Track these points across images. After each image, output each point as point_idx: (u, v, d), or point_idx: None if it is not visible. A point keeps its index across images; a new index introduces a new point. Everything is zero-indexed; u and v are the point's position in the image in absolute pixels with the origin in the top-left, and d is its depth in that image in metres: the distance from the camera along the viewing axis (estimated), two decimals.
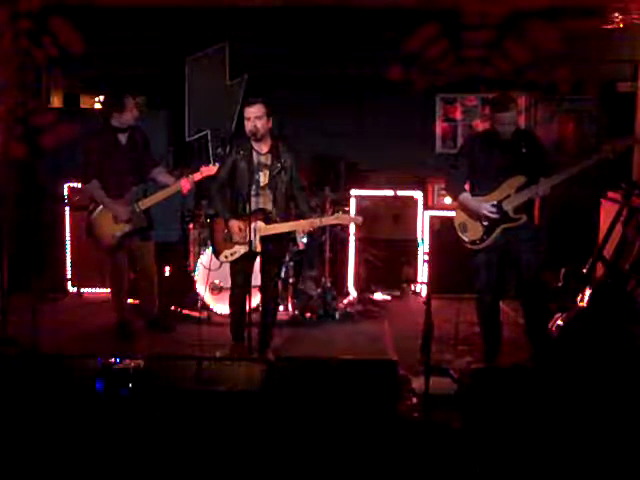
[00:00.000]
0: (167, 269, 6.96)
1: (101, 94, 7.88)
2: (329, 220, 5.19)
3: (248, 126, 5.02)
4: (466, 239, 5.13)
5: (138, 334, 5.97)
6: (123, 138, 5.75)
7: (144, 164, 5.85)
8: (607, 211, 6.17)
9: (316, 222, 5.11)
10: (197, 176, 5.66)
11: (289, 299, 6.51)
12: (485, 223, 5.03)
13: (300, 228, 5.29)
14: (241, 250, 5.13)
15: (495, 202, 4.99)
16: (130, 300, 6.20)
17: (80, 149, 5.86)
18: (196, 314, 6.40)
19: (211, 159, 7.59)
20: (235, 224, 5.09)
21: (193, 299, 6.49)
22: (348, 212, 6.99)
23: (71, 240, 7.22)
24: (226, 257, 5.23)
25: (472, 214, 5.07)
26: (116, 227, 5.71)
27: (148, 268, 5.95)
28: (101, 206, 5.72)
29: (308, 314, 6.49)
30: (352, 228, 7.01)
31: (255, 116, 5.00)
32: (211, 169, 5.59)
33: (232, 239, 5.12)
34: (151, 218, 5.88)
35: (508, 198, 4.97)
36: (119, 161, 5.69)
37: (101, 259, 6.17)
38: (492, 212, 4.97)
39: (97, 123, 5.90)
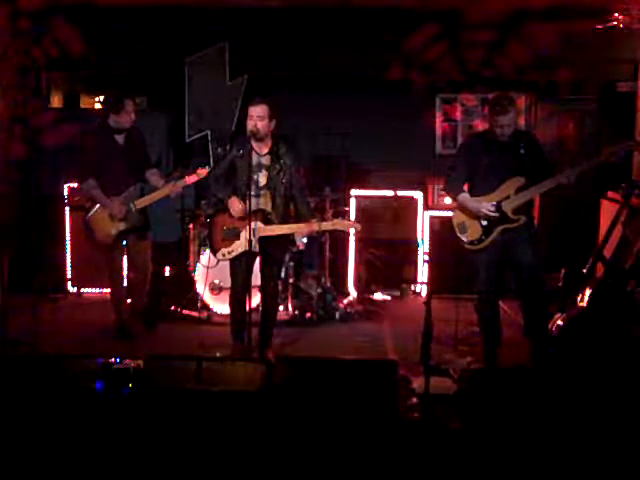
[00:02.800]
0: (167, 269, 6.97)
1: (101, 94, 7.90)
2: (328, 225, 5.19)
3: (249, 125, 5.02)
4: (465, 239, 5.12)
5: (138, 334, 5.96)
6: (120, 138, 5.76)
7: (140, 165, 5.86)
8: (607, 211, 6.17)
9: (315, 227, 5.10)
10: (193, 178, 5.67)
11: (289, 299, 6.51)
12: (484, 223, 5.03)
13: (299, 231, 5.29)
14: (239, 249, 5.13)
15: (494, 202, 4.99)
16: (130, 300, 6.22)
17: (78, 148, 5.88)
18: (196, 314, 6.40)
19: (211, 159, 7.59)
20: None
21: (193, 299, 6.50)
22: (347, 213, 6.98)
23: (71, 240, 7.22)
24: (223, 255, 5.23)
25: (471, 214, 5.07)
26: (112, 225, 5.72)
27: (143, 266, 5.96)
28: (97, 205, 5.74)
29: (308, 314, 6.49)
30: (352, 228, 6.99)
31: (258, 116, 4.99)
32: (206, 171, 5.61)
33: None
34: (147, 217, 5.89)
35: (507, 199, 4.97)
36: (116, 161, 5.71)
37: (101, 259, 6.17)
38: (491, 211, 4.96)
39: (95, 122, 5.91)
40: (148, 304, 6.16)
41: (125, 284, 6.11)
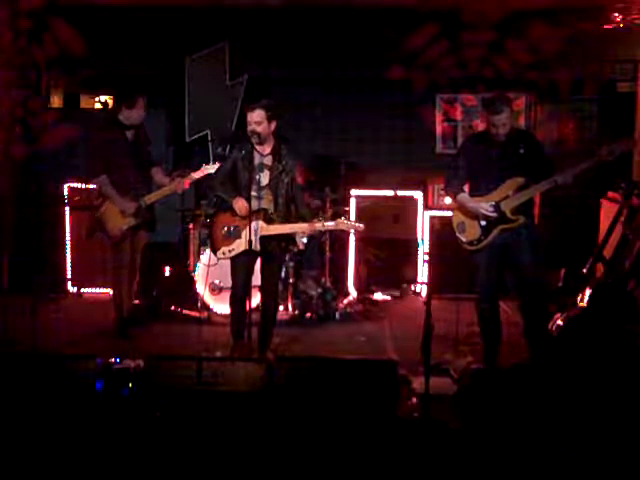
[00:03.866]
0: (167, 269, 6.98)
1: (101, 94, 7.91)
2: (331, 225, 5.19)
3: (249, 129, 5.03)
4: (464, 239, 5.12)
5: (138, 333, 5.97)
6: (130, 135, 5.81)
7: (147, 161, 5.91)
8: (607, 211, 6.17)
9: (318, 226, 5.10)
10: (198, 173, 5.72)
11: (289, 299, 6.51)
12: (483, 223, 5.03)
13: (301, 230, 5.29)
14: (240, 247, 5.13)
15: (493, 202, 4.99)
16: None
17: (85, 145, 5.91)
18: (196, 314, 6.40)
19: (211, 159, 7.59)
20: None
21: (193, 299, 6.50)
22: (347, 213, 6.98)
23: (71, 240, 7.22)
24: (224, 254, 5.22)
25: (470, 214, 5.07)
26: (123, 221, 5.76)
27: (137, 264, 6.00)
28: (108, 201, 5.76)
29: (308, 314, 6.49)
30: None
31: (255, 121, 5.00)
32: (212, 167, 5.64)
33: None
34: (154, 213, 5.94)
35: (507, 199, 4.97)
36: (126, 157, 5.75)
37: (101, 259, 6.19)
38: (490, 211, 4.96)
39: (104, 119, 5.93)
40: (137, 304, 6.26)
41: (127, 282, 6.11)
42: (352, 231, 6.93)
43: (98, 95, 7.99)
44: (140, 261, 6.04)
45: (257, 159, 5.09)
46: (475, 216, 5.04)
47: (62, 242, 7.24)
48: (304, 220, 5.14)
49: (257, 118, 4.99)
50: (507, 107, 4.90)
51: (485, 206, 4.98)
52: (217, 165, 5.56)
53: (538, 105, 7.62)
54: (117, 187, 5.74)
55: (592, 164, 4.85)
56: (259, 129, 4.99)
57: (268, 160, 5.12)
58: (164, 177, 5.88)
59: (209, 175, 5.60)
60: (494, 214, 4.97)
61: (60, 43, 6.76)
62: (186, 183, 5.75)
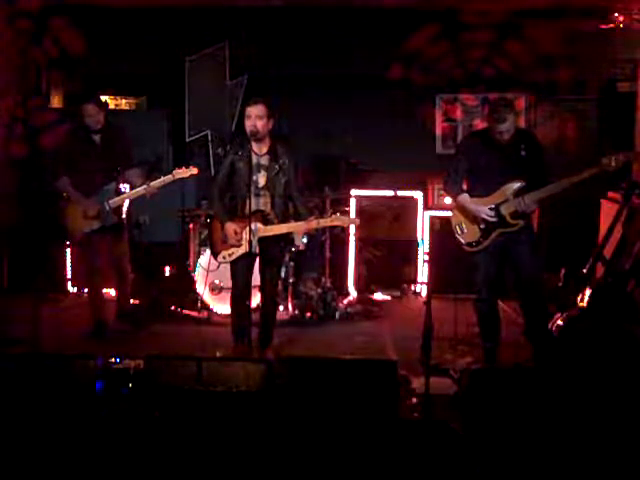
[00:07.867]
0: (167, 269, 6.98)
1: (101, 94, 7.91)
2: (326, 222, 5.18)
3: (248, 125, 5.00)
4: (463, 240, 5.11)
5: (138, 333, 5.98)
6: (97, 138, 5.80)
7: (118, 164, 5.84)
8: (607, 211, 6.17)
9: (313, 224, 5.09)
10: (168, 178, 5.68)
11: (289, 299, 6.50)
12: (482, 226, 5.01)
13: (298, 230, 5.28)
14: (239, 251, 5.13)
15: (493, 205, 4.97)
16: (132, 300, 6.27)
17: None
18: (196, 314, 6.40)
19: (211, 159, 7.60)
20: (231, 227, 5.07)
21: (193, 299, 6.50)
22: (347, 213, 6.98)
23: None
24: (224, 258, 5.22)
25: (470, 216, 5.06)
26: (85, 223, 5.77)
27: (122, 267, 6.01)
28: (72, 203, 5.81)
29: (308, 314, 6.49)
30: (352, 228, 7.00)
31: (256, 115, 4.98)
32: (184, 171, 5.63)
33: (228, 242, 5.12)
34: (122, 217, 5.89)
35: (506, 202, 4.94)
36: (92, 160, 5.75)
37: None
38: (490, 216, 4.94)
39: (73, 122, 5.98)
40: (138, 304, 6.28)
41: (101, 283, 6.09)
42: (352, 231, 7.01)
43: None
44: (127, 264, 6.02)
45: (254, 159, 5.07)
46: (474, 218, 5.03)
47: (62, 242, 7.24)
48: (301, 219, 5.13)
49: (259, 112, 4.97)
50: (511, 114, 4.86)
51: (486, 210, 4.95)
52: (190, 170, 5.59)
53: (538, 105, 7.62)
54: (82, 189, 5.75)
55: (593, 174, 4.83)
56: (259, 125, 4.96)
57: (265, 160, 5.09)
58: (139, 179, 5.83)
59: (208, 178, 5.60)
60: (494, 219, 4.95)
61: (60, 43, 6.77)
62: (155, 188, 5.69)
